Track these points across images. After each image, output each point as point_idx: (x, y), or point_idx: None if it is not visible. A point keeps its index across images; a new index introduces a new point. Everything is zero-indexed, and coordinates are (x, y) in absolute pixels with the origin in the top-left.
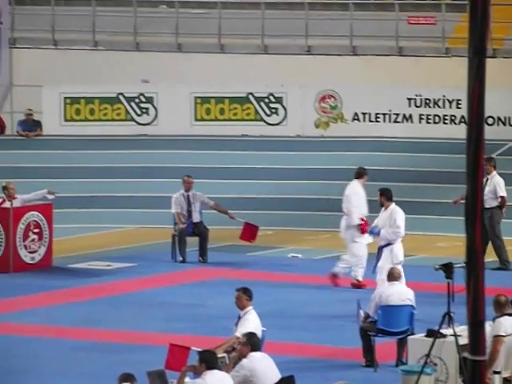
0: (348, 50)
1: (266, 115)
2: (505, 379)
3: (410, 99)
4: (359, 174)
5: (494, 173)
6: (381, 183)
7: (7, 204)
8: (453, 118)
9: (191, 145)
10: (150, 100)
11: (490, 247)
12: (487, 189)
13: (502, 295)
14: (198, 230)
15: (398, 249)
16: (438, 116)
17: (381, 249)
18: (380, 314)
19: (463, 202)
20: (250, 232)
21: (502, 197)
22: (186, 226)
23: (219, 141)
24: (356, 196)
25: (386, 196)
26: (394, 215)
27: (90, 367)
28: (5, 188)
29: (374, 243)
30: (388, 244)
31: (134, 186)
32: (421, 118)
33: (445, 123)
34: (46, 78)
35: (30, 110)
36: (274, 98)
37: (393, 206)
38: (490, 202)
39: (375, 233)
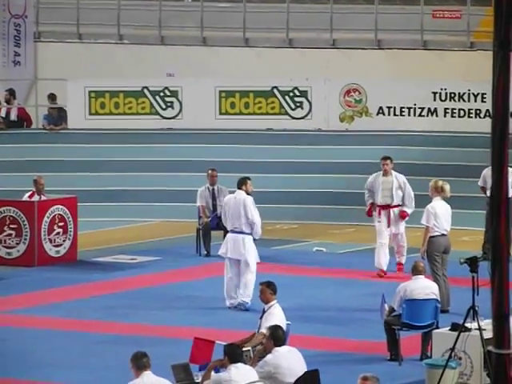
0: (373, 44)
1: (290, 109)
2: None
3: (434, 93)
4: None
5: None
6: (406, 177)
7: (36, 198)
8: (478, 111)
9: (216, 139)
10: (174, 94)
11: None
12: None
13: None
14: (223, 224)
15: None
16: (463, 110)
17: None
18: (404, 308)
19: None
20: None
21: None
22: (210, 219)
23: (244, 135)
24: None
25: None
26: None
27: (113, 360)
28: (35, 182)
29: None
30: None
31: (158, 180)
32: (446, 112)
33: (470, 117)
34: (71, 71)
35: (53, 94)
36: (299, 91)
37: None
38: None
39: None
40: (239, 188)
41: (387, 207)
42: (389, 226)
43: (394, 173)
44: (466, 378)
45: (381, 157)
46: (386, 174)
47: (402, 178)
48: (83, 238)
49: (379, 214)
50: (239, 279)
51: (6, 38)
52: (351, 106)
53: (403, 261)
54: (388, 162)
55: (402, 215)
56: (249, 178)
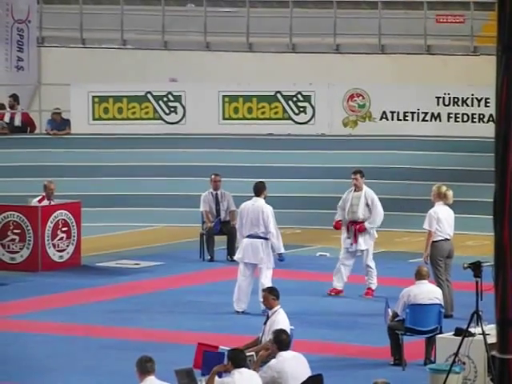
0: (376, 49)
1: (294, 114)
2: None
3: (438, 98)
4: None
5: None
6: (408, 182)
7: (45, 202)
8: (481, 116)
9: (219, 143)
10: (178, 99)
11: None
12: None
13: None
14: (226, 229)
15: None
16: (467, 114)
17: None
18: (408, 313)
19: None
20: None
21: None
22: (214, 224)
23: (247, 139)
24: None
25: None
26: None
27: (117, 365)
28: (45, 187)
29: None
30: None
31: (161, 185)
32: (449, 117)
33: (473, 122)
34: (75, 76)
35: (58, 108)
36: (302, 96)
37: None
38: None
39: None
40: (257, 195)
41: (354, 223)
42: (356, 242)
43: (364, 188)
44: (470, 383)
45: (352, 171)
46: (357, 189)
47: (371, 194)
48: (87, 243)
49: (348, 230)
50: (251, 285)
51: (9, 42)
52: (354, 111)
53: (373, 286)
54: (358, 176)
55: (360, 228)
56: (264, 183)
